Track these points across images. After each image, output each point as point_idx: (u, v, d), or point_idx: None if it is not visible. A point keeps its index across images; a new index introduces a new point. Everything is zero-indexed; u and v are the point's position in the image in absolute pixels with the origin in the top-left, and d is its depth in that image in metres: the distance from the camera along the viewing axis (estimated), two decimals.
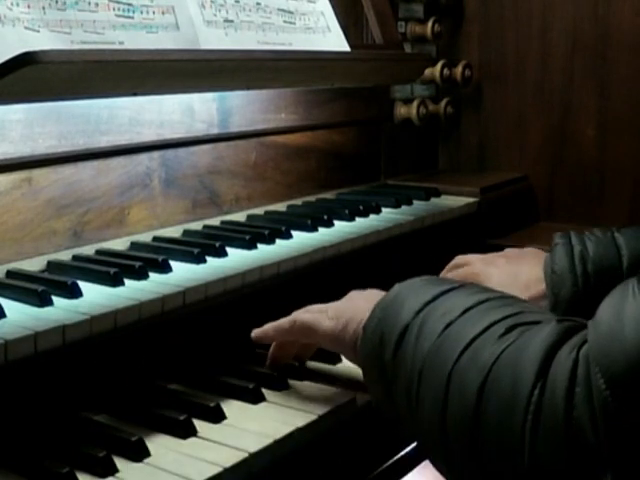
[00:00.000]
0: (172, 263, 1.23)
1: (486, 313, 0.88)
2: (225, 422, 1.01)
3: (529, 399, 0.76)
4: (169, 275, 1.20)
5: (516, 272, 1.29)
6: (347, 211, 1.58)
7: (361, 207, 1.63)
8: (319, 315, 1.09)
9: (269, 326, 1.15)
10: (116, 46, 1.22)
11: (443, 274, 1.37)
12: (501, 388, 0.79)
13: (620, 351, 0.71)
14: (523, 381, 0.77)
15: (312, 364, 1.18)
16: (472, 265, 1.34)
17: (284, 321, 1.13)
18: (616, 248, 1.23)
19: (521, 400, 0.76)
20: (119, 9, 1.25)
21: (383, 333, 0.95)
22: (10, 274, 1.17)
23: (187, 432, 0.97)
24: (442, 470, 0.89)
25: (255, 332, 1.16)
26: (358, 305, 1.06)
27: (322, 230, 1.49)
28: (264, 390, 1.08)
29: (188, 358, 1.15)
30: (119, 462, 0.90)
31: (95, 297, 1.09)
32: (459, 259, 1.38)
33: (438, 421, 0.85)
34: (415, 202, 1.77)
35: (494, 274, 1.29)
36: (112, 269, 1.15)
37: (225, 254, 1.31)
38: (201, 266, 1.25)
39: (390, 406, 0.96)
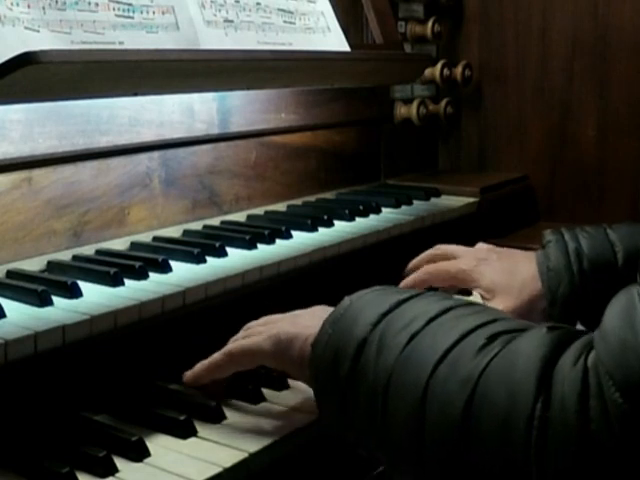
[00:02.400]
0: (172, 263, 1.23)
1: (455, 322, 0.84)
2: (225, 422, 1.01)
3: (531, 414, 0.73)
4: (169, 275, 1.20)
5: (511, 270, 1.27)
6: (347, 211, 1.58)
7: (361, 207, 1.63)
8: (257, 338, 1.03)
9: (200, 367, 1.07)
10: (116, 46, 1.22)
11: (418, 262, 1.34)
12: (494, 403, 0.75)
13: (635, 361, 0.68)
14: (521, 395, 0.74)
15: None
16: (459, 260, 1.31)
17: (216, 357, 1.05)
18: (610, 244, 1.23)
19: (521, 415, 0.73)
20: (119, 9, 1.25)
21: (337, 349, 0.90)
22: (10, 274, 1.17)
23: (187, 432, 0.97)
24: None
25: (186, 377, 1.08)
26: (302, 323, 1.01)
27: (322, 230, 1.49)
28: (264, 390, 1.08)
29: (188, 358, 1.15)
30: (119, 462, 0.90)
31: (95, 297, 1.09)
32: (440, 248, 1.35)
33: (412, 438, 0.81)
34: (415, 202, 1.77)
35: (486, 272, 1.27)
36: (112, 269, 1.15)
37: (225, 254, 1.31)
38: (201, 266, 1.25)
39: (344, 424, 0.91)
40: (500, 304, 1.22)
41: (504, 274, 1.27)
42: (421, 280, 1.30)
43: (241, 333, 1.09)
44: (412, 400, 0.81)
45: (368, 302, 0.93)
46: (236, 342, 1.05)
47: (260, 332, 1.04)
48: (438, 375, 0.80)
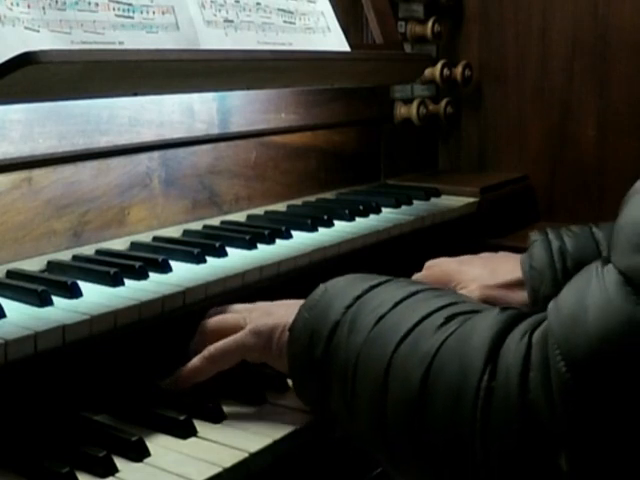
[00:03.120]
0: (172, 263, 1.23)
1: (419, 305, 0.88)
2: (225, 422, 1.01)
3: (479, 384, 0.76)
4: (169, 275, 1.20)
5: (493, 267, 1.28)
6: (347, 211, 1.58)
7: (361, 207, 1.63)
8: (238, 336, 1.04)
9: (181, 374, 1.06)
10: (116, 46, 1.22)
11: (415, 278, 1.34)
12: (447, 376, 0.79)
13: (583, 335, 0.71)
14: (471, 368, 0.77)
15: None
16: (444, 264, 1.32)
17: (196, 363, 1.05)
18: (595, 243, 1.22)
19: (470, 386, 0.77)
20: (119, 9, 1.25)
21: (313, 331, 0.95)
22: (10, 274, 1.17)
23: (187, 432, 0.97)
24: (386, 467, 0.89)
25: (165, 384, 1.06)
26: (279, 313, 1.05)
27: (322, 230, 1.49)
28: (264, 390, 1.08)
29: (188, 358, 1.15)
30: (119, 462, 0.90)
31: (95, 297, 1.09)
32: (430, 263, 1.35)
33: (377, 414, 0.84)
34: (415, 202, 1.77)
35: (468, 270, 1.29)
36: (112, 269, 1.15)
37: (225, 254, 1.31)
38: (201, 266, 1.25)
39: (324, 405, 0.96)
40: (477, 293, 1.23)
41: (485, 270, 1.27)
42: None
43: (213, 320, 1.10)
44: (375, 377, 0.85)
45: (342, 287, 0.98)
46: (216, 345, 1.05)
47: (235, 324, 1.06)
48: (399, 353, 0.84)
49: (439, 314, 0.85)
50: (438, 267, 1.32)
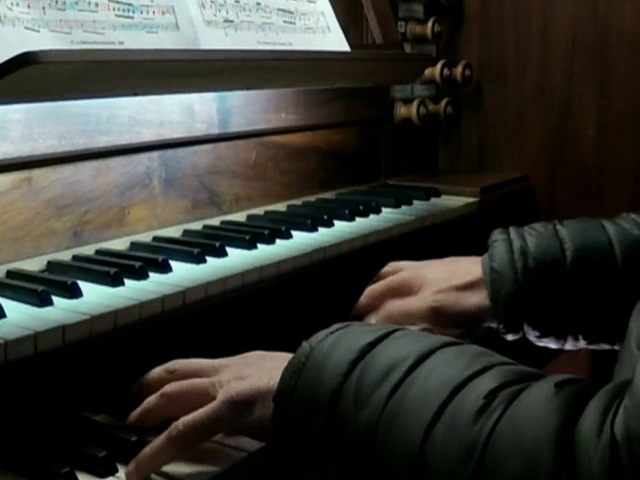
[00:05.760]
0: (172, 263, 1.23)
1: (441, 371, 0.77)
2: None
3: None
4: (169, 275, 1.20)
5: (452, 270, 1.24)
6: (347, 211, 1.58)
7: (361, 207, 1.63)
8: (207, 408, 0.88)
9: (139, 459, 0.88)
10: (116, 46, 1.22)
11: (374, 281, 1.31)
12: (508, 474, 0.68)
13: None
14: (540, 466, 0.67)
15: None
16: (404, 271, 1.29)
17: (157, 444, 0.88)
18: (559, 241, 1.19)
19: None
20: (119, 9, 1.25)
21: (306, 401, 0.82)
22: (10, 274, 1.17)
23: None
24: None
25: (128, 470, 0.88)
26: (253, 377, 0.90)
27: (322, 230, 1.49)
28: None
29: (188, 358, 1.15)
30: (119, 462, 0.90)
31: (95, 297, 1.09)
32: (391, 265, 1.33)
33: None
34: (415, 202, 1.77)
35: (427, 273, 1.25)
36: (112, 269, 1.15)
37: (225, 254, 1.30)
38: (201, 266, 1.25)
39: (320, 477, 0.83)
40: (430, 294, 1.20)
41: (445, 272, 1.24)
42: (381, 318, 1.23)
43: (155, 396, 0.95)
44: (405, 463, 0.74)
45: (333, 347, 0.85)
46: (183, 420, 0.88)
47: (202, 389, 0.92)
48: (435, 438, 0.73)
49: (474, 387, 0.75)
50: (398, 275, 1.28)
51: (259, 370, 0.90)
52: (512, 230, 1.25)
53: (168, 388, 0.94)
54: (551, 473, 0.66)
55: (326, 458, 0.81)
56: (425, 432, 0.73)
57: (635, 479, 0.63)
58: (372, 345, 0.83)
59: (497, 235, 1.25)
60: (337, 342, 0.85)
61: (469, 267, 1.23)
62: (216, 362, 0.97)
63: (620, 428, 0.65)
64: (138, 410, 0.96)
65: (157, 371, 1.00)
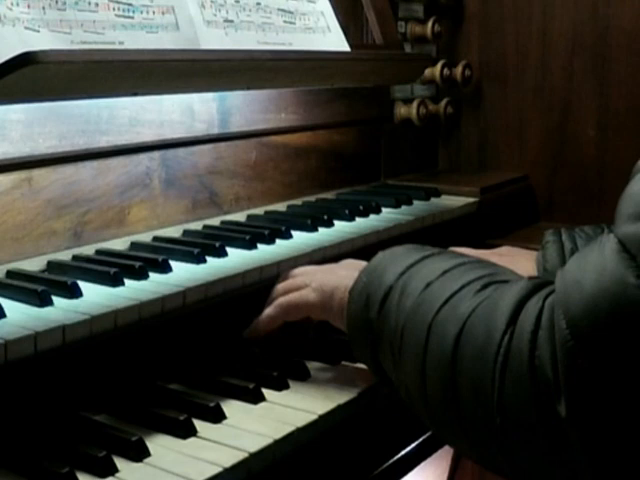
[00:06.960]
0: (172, 263, 1.23)
1: (463, 274, 0.96)
2: (225, 422, 1.01)
3: (499, 344, 0.83)
4: (169, 275, 1.20)
5: (511, 265, 1.28)
6: (347, 211, 1.58)
7: (361, 207, 1.63)
8: (303, 292, 1.16)
9: (257, 321, 1.20)
10: (116, 46, 1.22)
11: None
12: (475, 336, 0.86)
13: (579, 295, 0.78)
14: (495, 329, 0.84)
15: (312, 364, 1.18)
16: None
17: (269, 311, 1.18)
18: None
19: (492, 346, 0.84)
20: (119, 9, 1.25)
21: (369, 294, 1.03)
22: (10, 274, 1.17)
23: (187, 432, 0.97)
24: (425, 421, 0.96)
25: (247, 332, 1.21)
26: (340, 274, 1.15)
27: (322, 230, 1.49)
28: (264, 390, 1.08)
29: (188, 358, 1.15)
30: (119, 462, 0.90)
31: (95, 297, 1.09)
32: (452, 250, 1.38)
33: (418, 371, 0.92)
34: (415, 202, 1.77)
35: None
36: (112, 269, 1.15)
37: (225, 254, 1.31)
38: (201, 266, 1.25)
39: (376, 363, 1.04)
40: None
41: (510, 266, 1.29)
42: None
43: (283, 283, 1.21)
44: (418, 337, 0.93)
45: (398, 256, 1.06)
46: (285, 296, 1.18)
47: (301, 284, 1.17)
48: (440, 315, 0.92)
49: (477, 282, 0.93)
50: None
51: (346, 269, 1.16)
52: (564, 232, 1.31)
53: (280, 299, 1.19)
54: (500, 332, 0.84)
55: (376, 340, 1.02)
56: (436, 311, 0.92)
57: (550, 336, 0.79)
58: (426, 257, 1.04)
59: (549, 237, 1.30)
60: (402, 253, 1.07)
61: (527, 265, 1.29)
62: (315, 266, 1.24)
63: (550, 297, 0.83)
64: (256, 322, 1.19)
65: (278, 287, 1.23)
